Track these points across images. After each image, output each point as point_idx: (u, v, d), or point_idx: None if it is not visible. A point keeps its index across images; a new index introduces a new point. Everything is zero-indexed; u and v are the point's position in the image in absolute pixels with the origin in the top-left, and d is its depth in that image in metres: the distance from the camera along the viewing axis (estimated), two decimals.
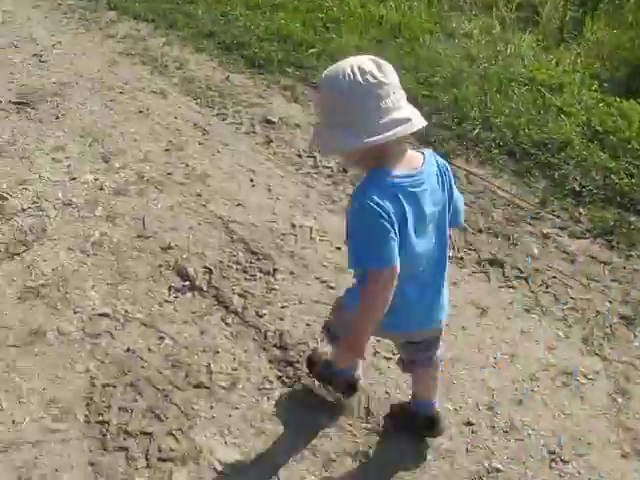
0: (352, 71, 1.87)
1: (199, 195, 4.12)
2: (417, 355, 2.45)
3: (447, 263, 2.26)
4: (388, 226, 1.93)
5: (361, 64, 1.89)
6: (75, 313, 3.31)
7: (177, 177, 4.29)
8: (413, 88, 5.13)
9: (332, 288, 3.43)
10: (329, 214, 3.97)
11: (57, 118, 4.95)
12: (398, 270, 1.97)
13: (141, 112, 5.04)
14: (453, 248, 3.73)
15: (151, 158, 4.47)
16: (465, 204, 3.93)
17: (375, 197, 1.92)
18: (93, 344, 3.15)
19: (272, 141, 4.69)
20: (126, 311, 3.32)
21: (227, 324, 3.25)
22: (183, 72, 5.67)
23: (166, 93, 5.32)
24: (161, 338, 3.17)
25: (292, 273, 3.53)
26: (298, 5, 6.75)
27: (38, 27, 6.60)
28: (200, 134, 4.76)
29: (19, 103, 5.16)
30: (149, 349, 3.12)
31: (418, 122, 1.95)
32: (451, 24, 6.45)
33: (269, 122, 4.90)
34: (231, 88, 5.37)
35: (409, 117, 1.93)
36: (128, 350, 3.11)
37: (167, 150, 4.57)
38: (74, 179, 4.26)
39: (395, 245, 1.95)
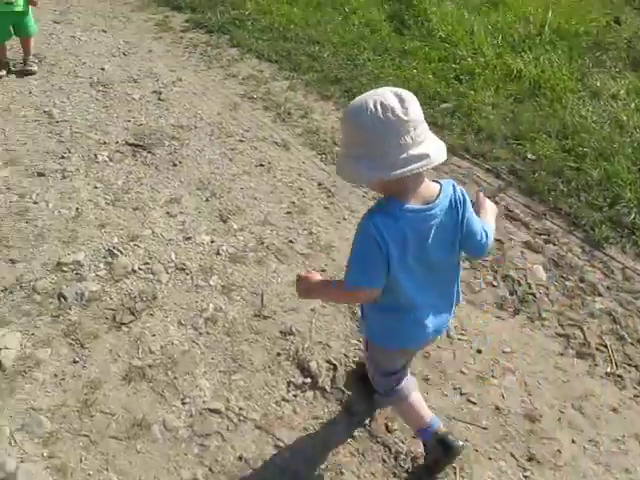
0: (375, 106, 1.95)
1: (323, 270, 3.78)
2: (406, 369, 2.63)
3: (457, 289, 2.42)
4: (378, 252, 2.07)
5: (384, 100, 1.95)
6: (183, 404, 3.00)
7: (299, 246, 3.96)
8: (558, 158, 4.71)
9: (473, 403, 3.01)
10: (468, 306, 3.55)
11: (174, 165, 4.70)
12: (375, 293, 2.19)
13: (262, 165, 4.75)
14: (610, 362, 3.26)
15: (272, 221, 4.16)
16: (621, 305, 3.53)
17: (380, 224, 2.06)
18: (202, 446, 2.83)
19: None
20: (240, 408, 2.99)
21: (353, 437, 2.87)
22: (307, 122, 5.35)
23: (289, 145, 5.01)
24: (277, 447, 2.83)
25: (426, 379, 3.14)
26: (429, 52, 6.36)
27: (159, 61, 6.43)
28: (325, 196, 4.42)
29: (135, 145, 4.95)
30: (264, 460, 2.78)
31: (437, 157, 2.01)
32: (595, 82, 5.94)
33: None
34: None
35: (427, 153, 1.98)
36: (240, 459, 2.79)
37: (289, 213, 4.25)
38: (189, 239, 3.99)
39: (380, 271, 2.12)
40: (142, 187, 4.48)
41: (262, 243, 3.97)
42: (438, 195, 2.13)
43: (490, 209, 2.48)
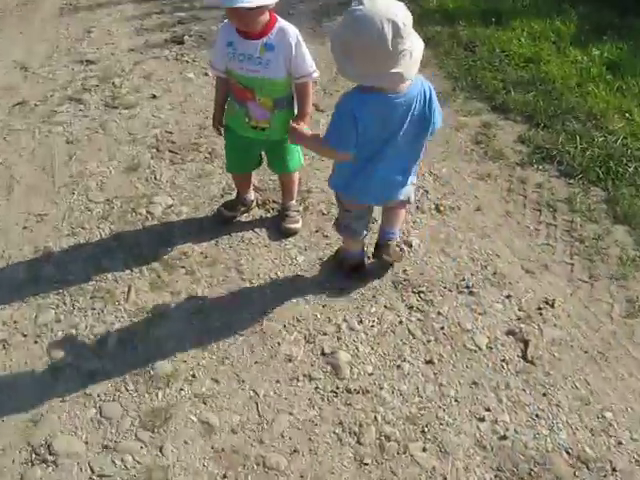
0: (381, 25, 2.56)
1: None
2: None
3: (413, 167, 3.26)
4: (351, 123, 2.86)
5: (388, 21, 2.57)
6: None
7: None
8: None
9: None
10: None
11: None
12: (347, 156, 3.05)
13: None
14: None
15: None
16: None
17: (355, 100, 2.87)
18: None
19: None
20: None
21: None
22: None
23: None
24: None
25: None
26: None
27: (497, 238, 3.96)
28: None
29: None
30: None
31: (409, 76, 2.76)
32: None
33: None
34: None
35: (401, 72, 2.71)
36: None
37: None
38: None
39: (351, 139, 2.93)
40: None
41: None
42: (408, 88, 2.85)
43: None
